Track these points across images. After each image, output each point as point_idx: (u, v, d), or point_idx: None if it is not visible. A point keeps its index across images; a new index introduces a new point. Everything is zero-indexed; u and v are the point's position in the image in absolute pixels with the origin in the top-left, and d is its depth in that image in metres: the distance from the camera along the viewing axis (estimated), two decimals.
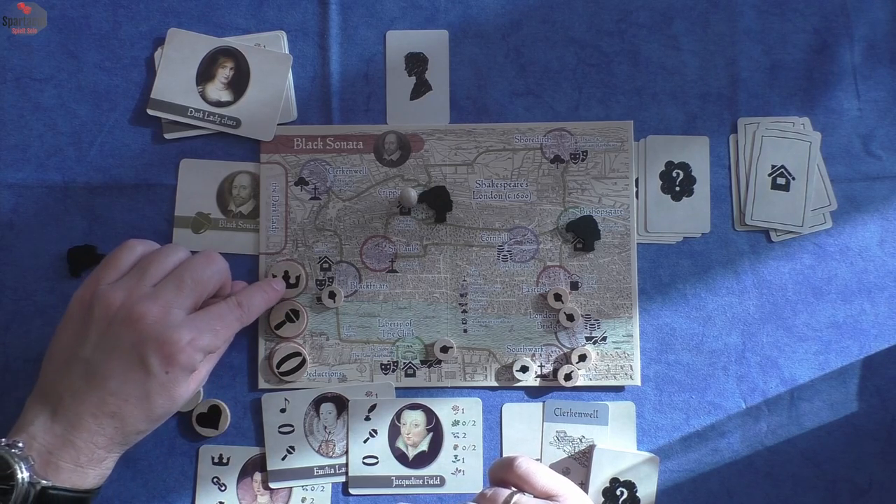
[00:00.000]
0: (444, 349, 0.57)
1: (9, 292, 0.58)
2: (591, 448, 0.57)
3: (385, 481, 0.57)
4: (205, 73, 0.59)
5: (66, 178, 0.58)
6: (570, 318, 0.57)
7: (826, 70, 0.59)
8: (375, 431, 0.58)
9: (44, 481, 0.45)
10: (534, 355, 0.58)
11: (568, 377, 0.57)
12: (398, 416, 0.58)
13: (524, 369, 0.57)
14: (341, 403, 0.58)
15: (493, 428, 0.58)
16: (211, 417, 0.57)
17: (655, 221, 0.59)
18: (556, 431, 0.58)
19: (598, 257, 0.58)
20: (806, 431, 0.58)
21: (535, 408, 0.58)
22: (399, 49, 0.59)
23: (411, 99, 0.59)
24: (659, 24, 0.59)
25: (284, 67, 0.59)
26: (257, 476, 0.57)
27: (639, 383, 0.58)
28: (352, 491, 0.57)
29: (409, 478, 0.58)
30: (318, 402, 0.58)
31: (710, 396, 0.58)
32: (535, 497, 0.47)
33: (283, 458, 0.57)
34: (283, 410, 0.58)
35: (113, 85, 0.59)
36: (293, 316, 0.58)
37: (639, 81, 0.59)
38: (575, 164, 0.59)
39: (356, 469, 0.57)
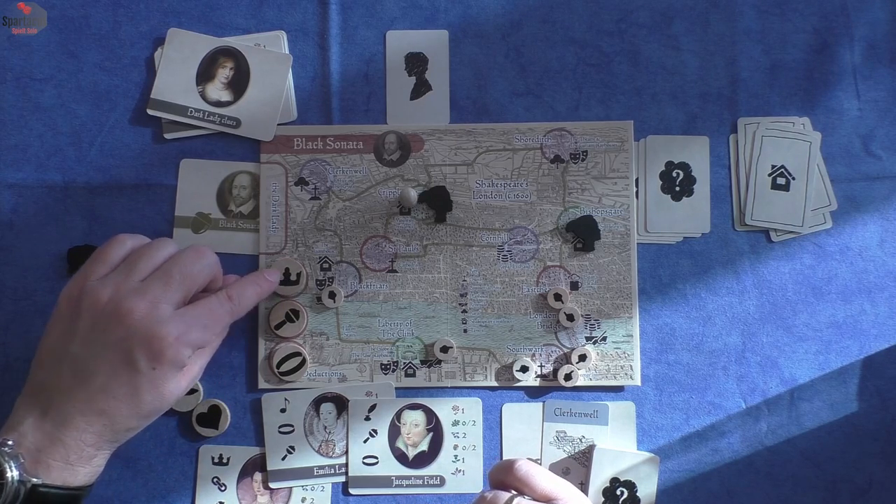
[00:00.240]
0: (444, 349, 0.57)
1: (9, 292, 0.58)
2: (591, 448, 0.57)
3: (385, 481, 0.57)
4: (205, 73, 0.59)
5: (66, 178, 0.58)
6: (570, 318, 0.57)
7: (826, 70, 0.59)
8: (375, 431, 0.58)
9: (34, 479, 0.45)
10: (534, 355, 0.58)
11: (568, 377, 0.57)
12: (398, 416, 0.58)
13: (524, 369, 0.57)
14: (341, 403, 0.58)
15: (493, 428, 0.58)
16: (211, 417, 0.57)
17: (655, 221, 0.59)
18: (556, 431, 0.58)
19: (598, 257, 0.58)
20: (806, 431, 0.58)
21: (535, 408, 0.58)
22: (399, 49, 0.59)
23: (411, 99, 0.59)
24: (659, 24, 0.59)
25: (284, 67, 0.59)
26: (257, 476, 0.57)
27: (639, 383, 0.58)
28: (352, 491, 0.57)
29: (409, 478, 0.58)
30: (318, 402, 0.58)
31: (710, 396, 0.58)
32: (535, 500, 0.47)
33: (283, 458, 0.57)
34: (283, 410, 0.58)
35: (113, 85, 0.59)
36: (293, 316, 0.58)
37: (639, 81, 0.59)
38: (575, 164, 0.59)
39: (356, 469, 0.57)
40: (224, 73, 0.59)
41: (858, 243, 0.59)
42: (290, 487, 0.57)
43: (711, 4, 0.60)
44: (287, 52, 0.59)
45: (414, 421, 0.58)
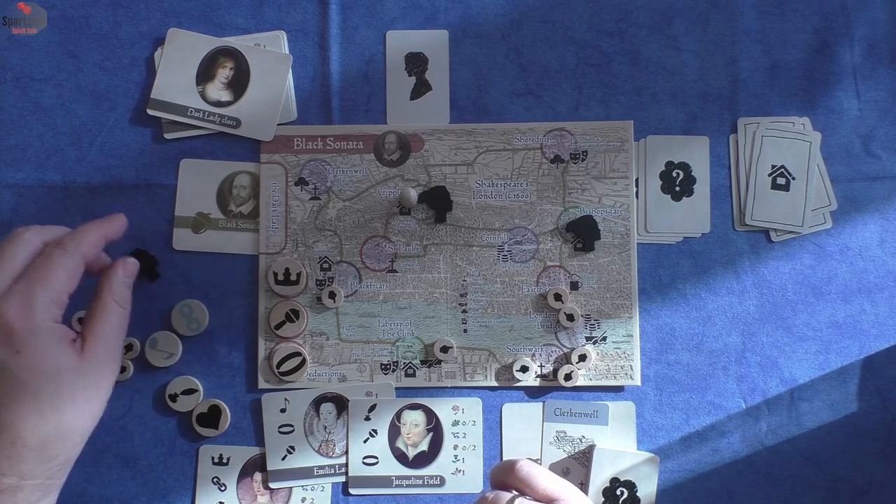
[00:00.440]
0: (444, 349, 0.57)
1: None
2: (591, 448, 0.57)
3: (385, 481, 0.57)
4: (205, 73, 0.59)
5: (66, 178, 0.58)
6: (570, 318, 0.57)
7: (826, 70, 0.59)
8: (375, 431, 0.58)
9: None
10: (534, 355, 0.58)
11: (568, 377, 0.57)
12: (398, 416, 0.58)
13: (524, 369, 0.57)
14: (341, 403, 0.58)
15: (493, 428, 0.58)
16: (211, 417, 0.57)
17: (655, 221, 0.59)
18: (556, 431, 0.58)
19: (598, 257, 0.58)
20: (806, 431, 0.58)
21: (535, 408, 0.58)
22: (399, 49, 0.59)
23: (411, 99, 0.59)
24: (659, 24, 0.59)
25: (284, 67, 0.59)
26: (257, 476, 0.57)
27: (639, 383, 0.58)
28: (352, 491, 0.57)
29: (409, 478, 0.58)
30: (318, 402, 0.58)
31: (710, 396, 0.58)
32: (536, 500, 0.47)
33: (283, 458, 0.57)
34: (283, 410, 0.58)
35: (113, 85, 0.59)
36: (293, 316, 0.58)
37: (639, 81, 0.59)
38: (575, 164, 0.59)
39: (356, 469, 0.58)
40: (224, 73, 0.59)
41: (858, 243, 0.59)
42: (290, 487, 0.57)
43: (711, 4, 0.60)
44: (287, 52, 0.59)
45: (414, 421, 0.58)
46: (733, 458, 0.58)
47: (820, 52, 0.59)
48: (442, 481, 0.58)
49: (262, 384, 0.58)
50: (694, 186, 0.59)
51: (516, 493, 0.47)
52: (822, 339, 0.58)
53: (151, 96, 0.58)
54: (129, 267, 0.50)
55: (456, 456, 0.58)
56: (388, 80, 0.59)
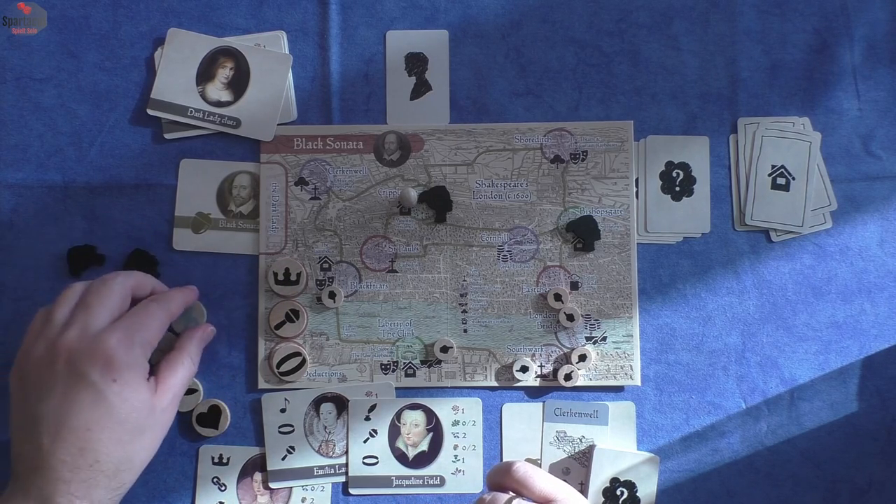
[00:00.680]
0: (444, 349, 0.57)
1: (9, 292, 0.58)
2: (591, 448, 0.57)
3: (385, 481, 0.57)
4: (205, 73, 0.59)
5: (66, 178, 0.58)
6: (570, 318, 0.57)
7: (826, 70, 0.59)
8: (375, 431, 0.58)
9: None
10: (534, 355, 0.58)
11: (568, 377, 0.57)
12: (398, 416, 0.58)
13: (524, 369, 0.57)
14: (341, 403, 0.58)
15: (493, 428, 0.58)
16: (211, 417, 0.57)
17: (655, 221, 0.59)
18: (556, 431, 0.58)
19: (598, 257, 0.58)
20: (806, 431, 0.58)
21: (535, 408, 0.58)
22: (399, 49, 0.59)
23: (411, 99, 0.59)
24: (659, 24, 0.59)
25: (284, 67, 0.59)
26: (257, 476, 0.57)
27: (639, 383, 0.58)
28: (352, 491, 0.57)
29: (409, 478, 0.58)
30: (318, 402, 0.58)
31: (710, 396, 0.58)
32: (533, 501, 0.47)
33: (283, 458, 0.57)
34: (283, 410, 0.58)
35: (113, 85, 0.59)
36: (293, 316, 0.58)
37: (639, 81, 0.59)
38: (575, 164, 0.59)
39: (356, 469, 0.58)
40: (224, 73, 0.59)
41: (858, 243, 0.59)
42: (290, 487, 0.57)
43: (711, 4, 0.60)
44: (287, 52, 0.59)
45: (414, 421, 0.58)
46: (733, 458, 0.58)
47: (820, 52, 0.59)
48: (442, 481, 0.58)
49: (262, 384, 0.58)
50: (694, 186, 0.59)
51: (513, 494, 0.47)
52: (822, 339, 0.58)
53: (151, 96, 0.58)
54: (208, 333, 0.56)
55: (456, 456, 0.58)
56: (388, 80, 0.59)
